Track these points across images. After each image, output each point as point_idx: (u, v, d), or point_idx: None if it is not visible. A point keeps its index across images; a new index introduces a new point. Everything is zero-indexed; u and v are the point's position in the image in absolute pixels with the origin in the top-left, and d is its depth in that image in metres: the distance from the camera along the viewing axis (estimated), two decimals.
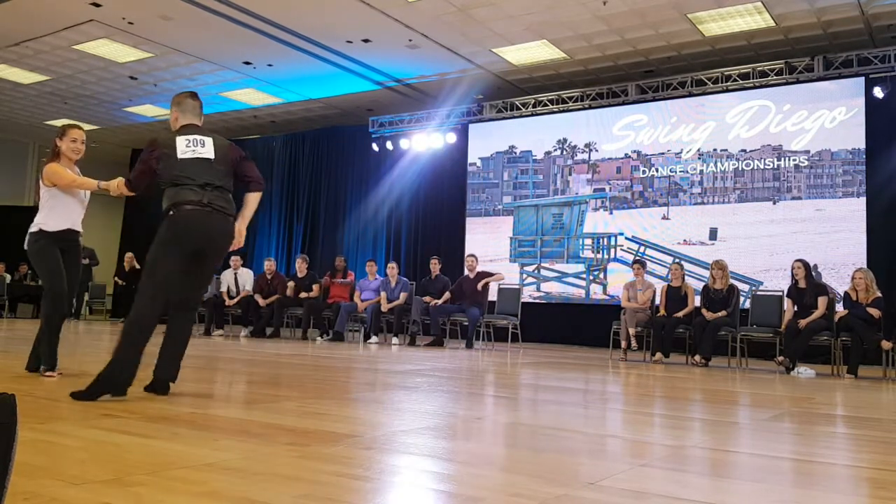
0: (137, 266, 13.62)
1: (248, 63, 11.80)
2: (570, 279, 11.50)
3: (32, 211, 4.34)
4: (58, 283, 4.13)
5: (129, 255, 13.95)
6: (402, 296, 9.94)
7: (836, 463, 2.61)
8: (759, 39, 9.97)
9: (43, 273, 4.19)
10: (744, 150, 10.41)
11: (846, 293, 7.40)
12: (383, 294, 10.11)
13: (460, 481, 2.02)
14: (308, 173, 15.04)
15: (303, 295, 10.47)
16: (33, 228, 4.20)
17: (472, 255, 10.20)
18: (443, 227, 13.05)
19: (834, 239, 9.64)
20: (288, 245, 15.10)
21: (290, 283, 10.72)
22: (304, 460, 2.13)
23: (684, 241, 10.67)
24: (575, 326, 11.14)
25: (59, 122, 15.61)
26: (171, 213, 3.58)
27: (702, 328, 7.80)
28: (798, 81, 10.08)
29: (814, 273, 7.79)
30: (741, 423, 3.48)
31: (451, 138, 12.82)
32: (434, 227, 13.23)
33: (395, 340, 9.76)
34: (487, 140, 12.55)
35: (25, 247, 4.22)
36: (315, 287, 10.58)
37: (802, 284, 7.52)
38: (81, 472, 1.86)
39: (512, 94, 12.42)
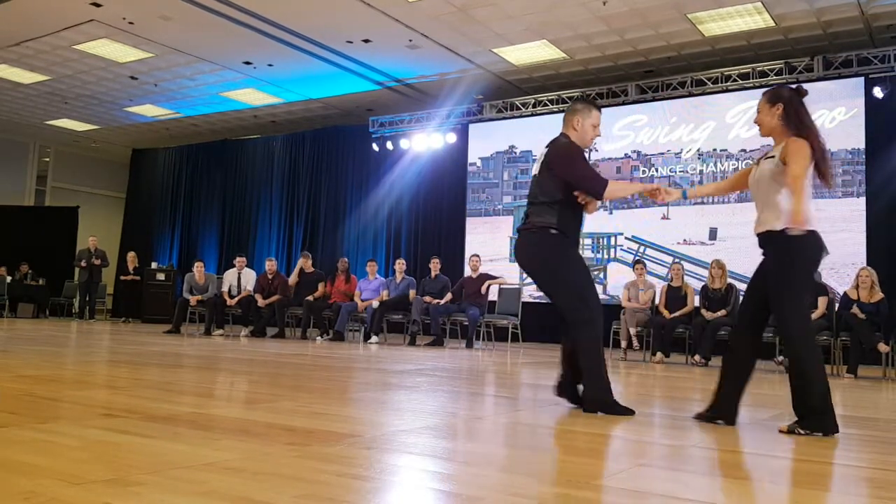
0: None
1: (248, 63, 11.80)
2: None
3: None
4: None
5: (131, 254, 13.95)
6: (412, 293, 9.95)
7: (836, 463, 2.61)
8: (758, 39, 9.97)
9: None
10: (744, 150, 10.41)
11: (845, 293, 7.39)
12: (384, 293, 10.12)
13: (460, 481, 2.02)
14: (308, 173, 15.05)
15: (309, 298, 10.41)
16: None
17: (476, 255, 10.19)
18: (443, 227, 13.05)
19: (834, 239, 9.63)
20: (288, 245, 15.10)
21: (294, 280, 10.71)
22: (305, 460, 2.14)
23: (684, 240, 10.67)
24: None
25: (59, 122, 15.65)
26: None
27: (701, 328, 7.80)
28: (798, 81, 10.07)
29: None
30: (741, 423, 3.48)
31: (451, 138, 12.82)
32: (434, 227, 13.23)
33: (373, 339, 9.76)
34: (487, 140, 12.55)
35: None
36: (321, 286, 10.57)
37: None
38: (81, 471, 1.86)
39: (512, 94, 12.42)
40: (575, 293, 3.53)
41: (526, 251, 3.63)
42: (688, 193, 3.72)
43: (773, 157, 3.20)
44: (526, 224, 3.62)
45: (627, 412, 3.40)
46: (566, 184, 3.53)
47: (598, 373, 3.47)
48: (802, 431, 3.03)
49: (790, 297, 3.10)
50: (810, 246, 3.09)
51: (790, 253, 3.09)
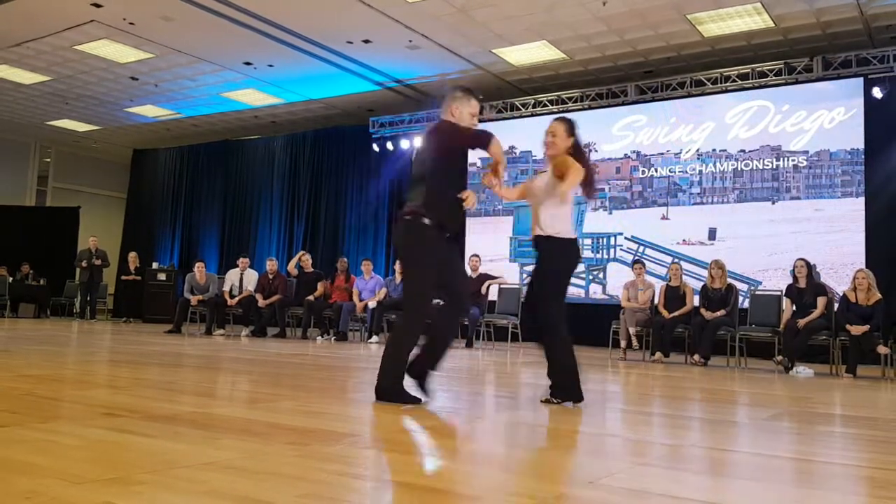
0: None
1: (248, 63, 11.81)
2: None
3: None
4: None
5: (132, 254, 13.95)
6: None
7: (835, 462, 2.62)
8: (758, 40, 9.98)
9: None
10: (743, 151, 10.41)
11: (844, 295, 7.38)
12: (380, 291, 10.12)
13: (460, 481, 2.03)
14: (309, 173, 15.06)
15: (310, 298, 10.41)
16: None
17: (476, 256, 10.22)
18: None
19: (833, 239, 9.65)
20: (288, 245, 15.12)
21: (293, 269, 10.76)
22: (306, 459, 2.14)
23: (683, 240, 10.68)
24: (574, 326, 11.02)
25: (60, 123, 15.65)
26: None
27: (701, 328, 7.81)
28: (797, 82, 10.09)
29: (813, 273, 7.79)
30: (740, 423, 3.49)
31: None
32: None
33: (374, 339, 9.80)
34: None
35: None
36: (320, 285, 10.59)
37: (802, 284, 7.52)
38: (83, 471, 1.87)
39: (512, 94, 12.42)
40: (415, 293, 3.63)
41: (397, 239, 3.83)
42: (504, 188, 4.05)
43: (545, 172, 3.85)
44: (403, 209, 3.67)
45: (415, 400, 3.48)
46: (449, 162, 3.73)
47: (395, 366, 3.54)
48: (555, 400, 3.64)
49: (551, 292, 3.75)
50: (570, 250, 3.75)
51: (553, 254, 3.72)
